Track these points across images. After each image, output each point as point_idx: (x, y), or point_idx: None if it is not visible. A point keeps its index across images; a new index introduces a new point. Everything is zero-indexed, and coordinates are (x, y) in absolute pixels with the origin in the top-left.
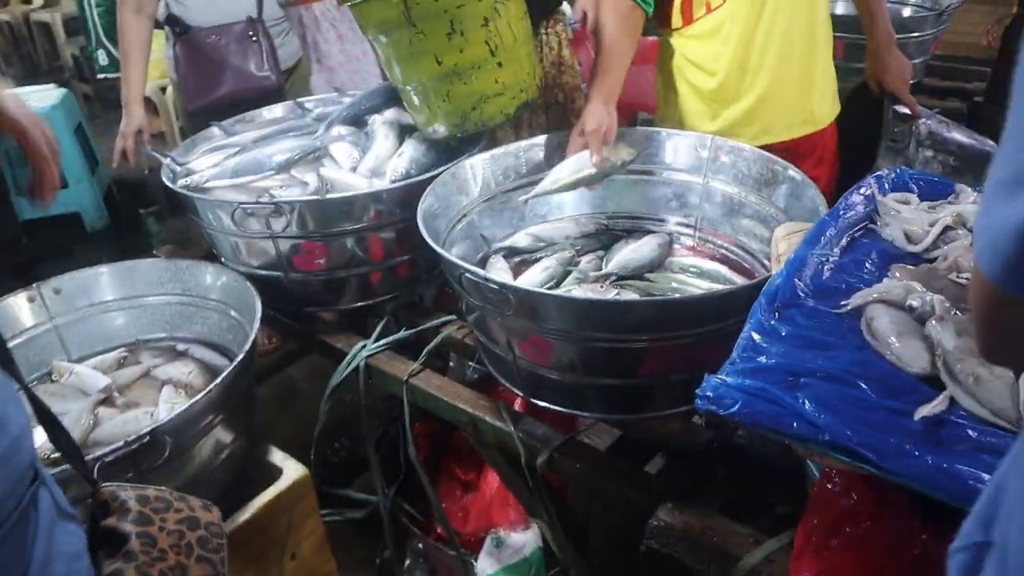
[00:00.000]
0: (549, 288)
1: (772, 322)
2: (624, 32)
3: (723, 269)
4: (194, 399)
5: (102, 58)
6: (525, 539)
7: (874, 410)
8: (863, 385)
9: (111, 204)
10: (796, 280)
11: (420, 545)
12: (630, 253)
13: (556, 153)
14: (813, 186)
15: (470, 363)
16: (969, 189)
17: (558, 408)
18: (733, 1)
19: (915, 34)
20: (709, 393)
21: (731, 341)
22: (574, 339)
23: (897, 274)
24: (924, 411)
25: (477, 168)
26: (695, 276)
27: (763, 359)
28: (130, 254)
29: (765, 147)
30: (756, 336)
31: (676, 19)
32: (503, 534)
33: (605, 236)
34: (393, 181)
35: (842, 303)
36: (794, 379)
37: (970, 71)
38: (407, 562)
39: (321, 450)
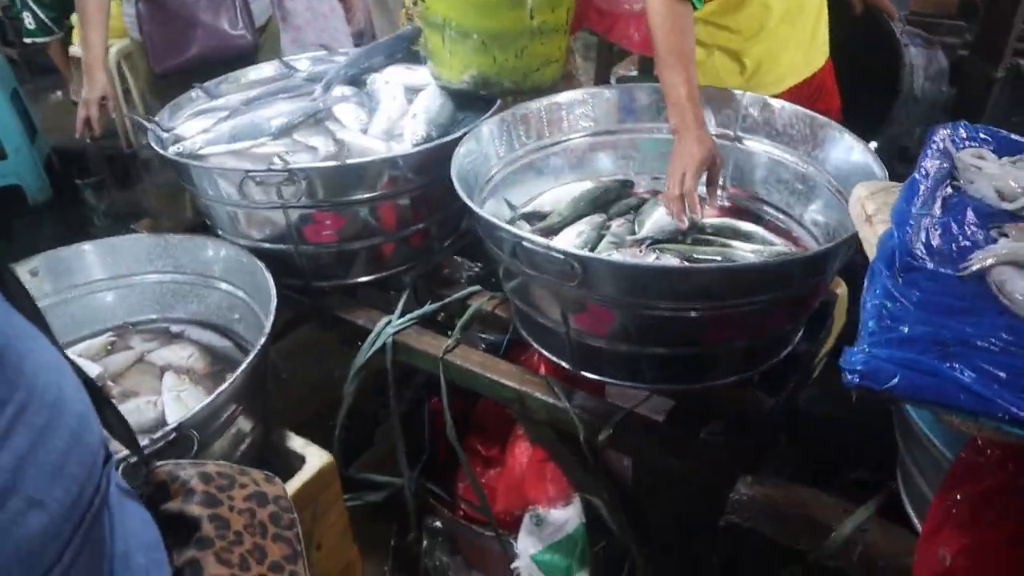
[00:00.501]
0: None
1: (899, 288)
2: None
3: (761, 230)
4: (219, 389)
5: (28, 21)
6: (567, 515)
7: None
8: (1016, 351)
9: (52, 175)
10: (909, 241)
11: (439, 524)
12: (664, 215)
13: (576, 111)
14: (860, 142)
15: (481, 334)
16: None
17: (611, 381)
18: None
19: None
20: (859, 367)
21: (792, 307)
22: (638, 308)
23: (1013, 233)
24: None
25: (502, 127)
26: (735, 238)
27: (905, 328)
28: (74, 229)
29: (789, 91)
30: (888, 303)
31: None
32: (542, 511)
33: (625, 193)
34: (415, 145)
35: (962, 265)
36: (943, 348)
37: (943, 25)
38: (424, 543)
39: (341, 434)
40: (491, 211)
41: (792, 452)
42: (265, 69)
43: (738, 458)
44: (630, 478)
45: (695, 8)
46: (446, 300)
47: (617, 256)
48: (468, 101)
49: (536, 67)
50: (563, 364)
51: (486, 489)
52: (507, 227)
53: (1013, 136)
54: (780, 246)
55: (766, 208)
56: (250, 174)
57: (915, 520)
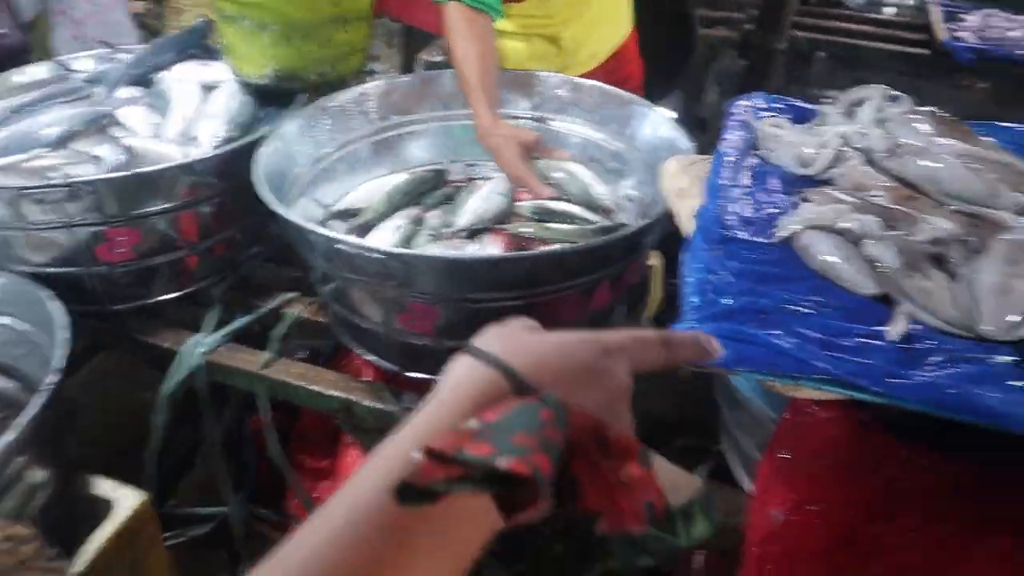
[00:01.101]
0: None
1: (717, 260)
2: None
3: (577, 208)
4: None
5: None
6: None
7: (848, 336)
8: (826, 312)
9: None
10: (723, 214)
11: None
12: (481, 203)
13: (386, 100)
14: (668, 116)
15: (304, 343)
16: (833, 110)
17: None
18: None
19: None
20: None
21: (615, 285)
22: (461, 302)
23: (814, 198)
24: (896, 329)
25: (308, 123)
26: (552, 219)
27: (727, 300)
28: None
29: (601, 67)
30: (710, 276)
31: None
32: None
33: (440, 182)
34: (214, 147)
35: (771, 232)
36: (763, 316)
37: (732, 1)
38: None
39: (153, 470)
40: (301, 212)
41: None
42: (36, 71)
43: None
44: None
45: (495, 18)
46: (260, 311)
47: (436, 250)
48: (271, 97)
49: (342, 56)
50: (389, 366)
51: (319, 503)
52: (319, 230)
53: (805, 104)
54: (598, 224)
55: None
56: (25, 191)
57: (745, 480)
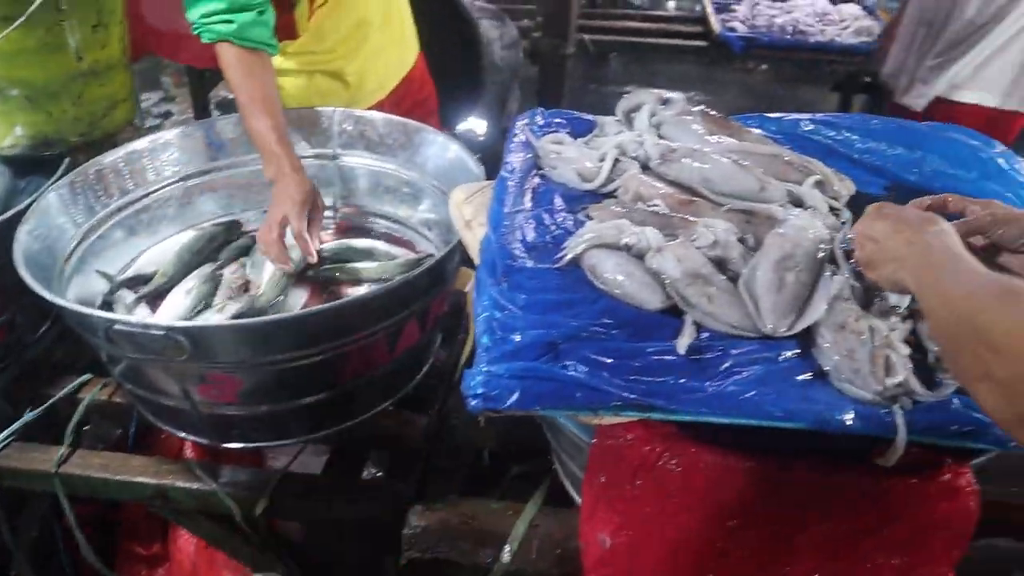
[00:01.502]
0: (199, 311)
1: (505, 294)
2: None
3: (380, 244)
4: None
5: None
6: None
7: (638, 356)
8: (617, 334)
9: None
10: (507, 244)
11: None
12: None
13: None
14: (454, 141)
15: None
16: (611, 120)
17: (256, 445)
18: None
19: None
20: (481, 390)
21: (422, 320)
22: (264, 366)
23: (595, 214)
24: (683, 342)
25: (73, 192)
26: (358, 258)
27: (517, 337)
28: None
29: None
30: (497, 313)
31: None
32: None
33: (234, 234)
34: None
35: (557, 256)
36: (555, 348)
37: (519, 9)
38: None
39: None
40: (82, 288)
41: (457, 463)
42: None
43: (404, 490)
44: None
45: (271, 54)
46: (50, 401)
47: (225, 317)
48: (31, 166)
49: (102, 112)
50: (201, 441)
51: None
52: (92, 312)
53: (584, 116)
54: (401, 257)
55: (379, 220)
56: None
57: (578, 500)
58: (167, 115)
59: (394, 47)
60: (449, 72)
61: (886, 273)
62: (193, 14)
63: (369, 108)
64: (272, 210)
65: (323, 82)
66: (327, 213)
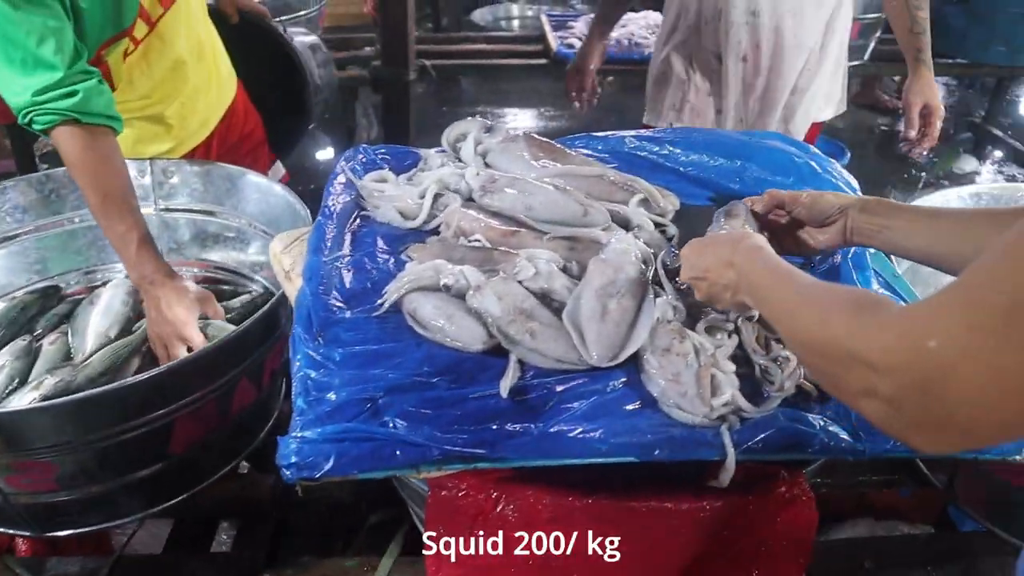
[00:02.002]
0: (10, 391)
1: (321, 351)
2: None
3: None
4: None
5: None
6: None
7: (461, 403)
8: (438, 381)
9: None
10: (323, 295)
11: None
12: (101, 318)
13: None
14: (278, 185)
15: None
16: (435, 152)
17: (87, 529)
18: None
19: (302, 12)
20: (294, 459)
21: (254, 376)
22: (82, 446)
23: (414, 255)
24: (505, 384)
25: None
26: None
27: (332, 396)
28: None
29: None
30: (312, 373)
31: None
32: None
33: (51, 301)
34: None
35: (377, 303)
36: (373, 404)
37: (358, 38)
38: None
39: None
40: None
41: (312, 522)
42: None
43: (254, 558)
44: None
45: (117, 131)
46: None
47: (36, 396)
48: None
49: None
50: (21, 534)
51: None
52: None
53: (410, 149)
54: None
55: (206, 271)
56: None
57: None
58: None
59: (212, 82)
60: (272, 99)
61: (728, 302)
62: (20, 98)
63: (196, 147)
64: (151, 329)
65: (144, 128)
66: None
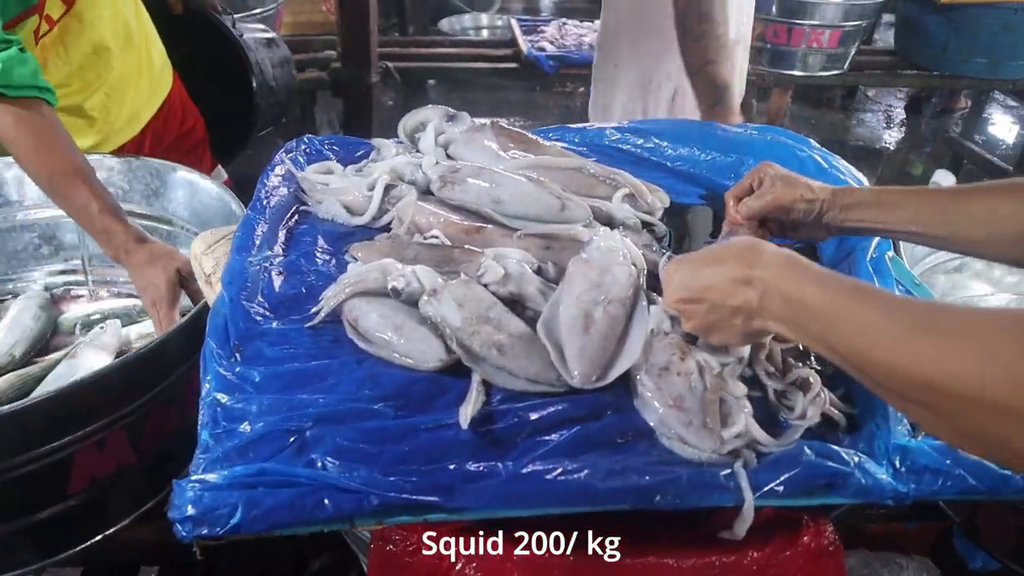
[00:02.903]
0: None
1: (236, 369)
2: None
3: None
4: None
5: None
6: None
7: (410, 435)
8: (382, 408)
9: None
10: (244, 302)
11: None
12: (5, 334)
13: None
14: (211, 181)
15: None
16: (390, 142)
17: None
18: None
19: (256, 11)
20: (190, 511)
21: (185, 394)
22: None
23: (359, 255)
24: (466, 414)
25: None
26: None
27: (247, 427)
28: None
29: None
30: (223, 397)
31: None
32: None
33: None
34: None
35: (312, 311)
36: (298, 438)
37: (318, 40)
38: None
39: None
40: None
41: (245, 568)
42: None
43: None
44: None
45: (52, 104)
46: None
47: None
48: None
49: None
50: None
51: None
52: None
53: (363, 140)
54: None
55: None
56: None
57: None
58: None
59: (142, 73)
60: (216, 97)
61: (736, 331)
62: None
63: (124, 144)
64: (144, 300)
65: (63, 120)
66: (76, 278)
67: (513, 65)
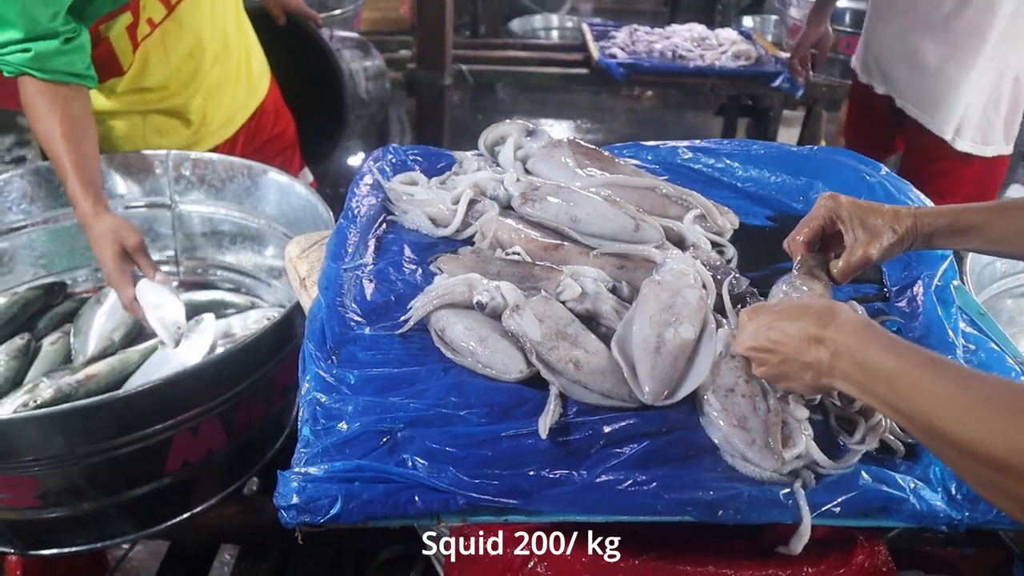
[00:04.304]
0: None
1: (334, 371)
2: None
3: (227, 295)
4: None
5: None
6: None
7: (492, 442)
8: (468, 415)
9: None
10: (340, 308)
11: None
12: (106, 320)
13: None
14: (301, 184)
15: None
16: (471, 155)
17: (77, 549)
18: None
19: (336, 12)
20: (295, 499)
21: (271, 386)
22: (69, 461)
23: (445, 267)
24: (544, 424)
25: None
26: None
27: (343, 426)
28: None
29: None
30: (322, 397)
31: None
32: None
33: (55, 298)
34: None
35: (401, 320)
36: (390, 438)
37: (394, 40)
38: None
39: None
40: None
41: (320, 554)
42: None
43: None
44: None
45: (88, 87)
46: None
47: (28, 400)
48: None
49: None
50: (7, 551)
51: None
52: None
53: (444, 151)
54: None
55: (221, 272)
56: None
57: None
58: (20, 160)
59: (240, 80)
60: (310, 105)
61: (805, 384)
62: None
63: (217, 146)
64: (100, 261)
65: (160, 121)
66: (167, 268)
67: (584, 71)
